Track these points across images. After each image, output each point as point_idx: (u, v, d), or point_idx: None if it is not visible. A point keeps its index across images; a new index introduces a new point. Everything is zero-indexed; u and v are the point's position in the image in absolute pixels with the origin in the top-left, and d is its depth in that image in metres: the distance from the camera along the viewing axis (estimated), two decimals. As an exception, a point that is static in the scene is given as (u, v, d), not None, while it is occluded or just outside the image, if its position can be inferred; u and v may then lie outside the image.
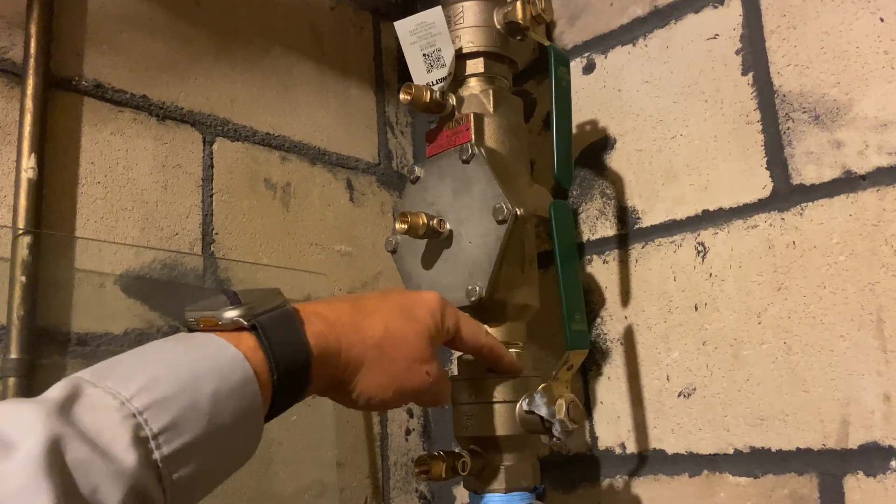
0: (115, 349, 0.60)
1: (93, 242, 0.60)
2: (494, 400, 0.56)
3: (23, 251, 0.55)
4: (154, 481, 0.32)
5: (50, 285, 0.57)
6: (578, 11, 0.79)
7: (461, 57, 0.61)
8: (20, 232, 0.55)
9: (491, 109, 0.61)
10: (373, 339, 0.44)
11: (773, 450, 0.61)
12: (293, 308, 0.41)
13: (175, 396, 0.33)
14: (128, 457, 0.31)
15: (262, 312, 0.39)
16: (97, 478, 0.30)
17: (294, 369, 0.39)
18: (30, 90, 0.58)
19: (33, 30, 0.59)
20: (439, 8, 0.59)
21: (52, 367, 0.56)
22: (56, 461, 0.29)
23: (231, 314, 0.38)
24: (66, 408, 0.31)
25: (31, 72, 0.58)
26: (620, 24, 0.75)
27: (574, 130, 0.76)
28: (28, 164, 0.57)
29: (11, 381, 0.53)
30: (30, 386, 0.53)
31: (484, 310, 0.57)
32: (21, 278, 0.55)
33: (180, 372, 0.34)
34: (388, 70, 0.91)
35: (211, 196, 0.70)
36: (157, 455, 0.32)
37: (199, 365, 0.35)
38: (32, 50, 0.59)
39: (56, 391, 0.32)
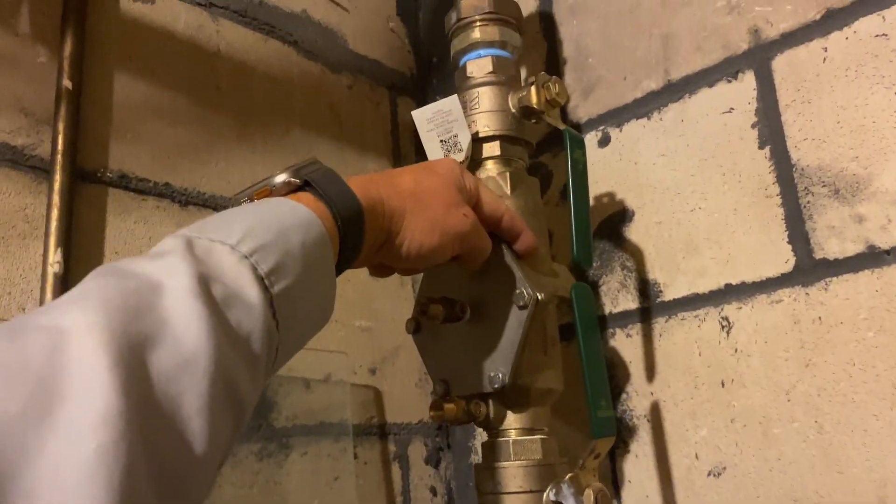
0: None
1: (116, 333, 0.60)
2: (521, 490, 0.54)
3: (48, 346, 0.55)
4: (273, 319, 0.34)
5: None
6: (592, 85, 0.80)
7: (478, 141, 0.62)
8: (45, 327, 0.56)
9: (509, 192, 0.61)
10: (407, 190, 0.47)
11: (810, 533, 0.59)
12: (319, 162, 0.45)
13: (273, 243, 0.35)
14: (253, 293, 0.33)
15: (309, 171, 0.42)
16: (239, 313, 0.32)
17: (352, 216, 0.41)
18: (57, 185, 0.59)
19: (61, 126, 0.61)
20: (455, 97, 0.60)
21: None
22: (205, 294, 0.31)
23: (282, 177, 0.42)
24: (190, 253, 0.32)
25: (58, 167, 0.60)
26: (634, 97, 0.76)
27: (591, 202, 0.76)
28: (54, 258, 0.57)
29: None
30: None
31: (507, 396, 0.56)
32: (46, 373, 0.55)
33: (270, 224, 0.37)
34: (405, 142, 0.93)
35: (232, 279, 0.70)
36: (272, 292, 0.34)
37: (284, 220, 0.38)
38: (60, 146, 0.60)
39: (169, 244, 0.33)
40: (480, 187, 0.53)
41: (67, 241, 0.59)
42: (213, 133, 0.72)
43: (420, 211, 0.47)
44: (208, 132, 0.72)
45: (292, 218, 0.38)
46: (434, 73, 0.97)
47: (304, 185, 0.42)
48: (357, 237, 0.42)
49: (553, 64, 0.84)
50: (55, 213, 0.59)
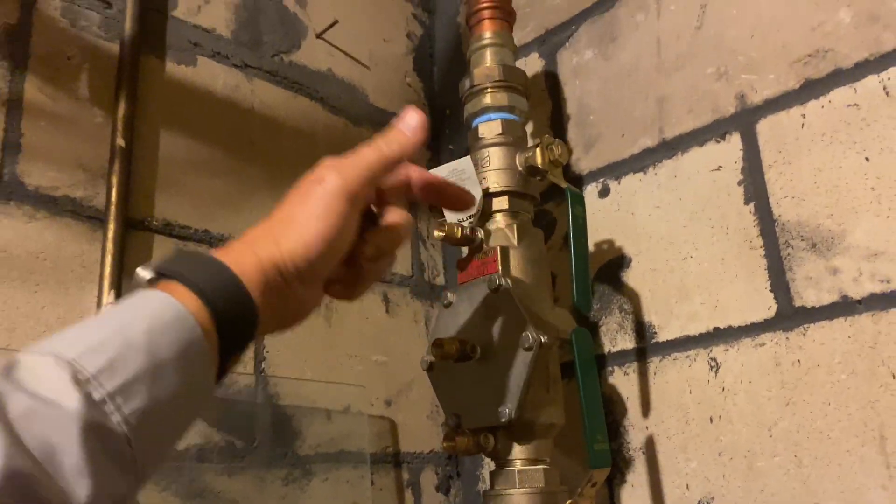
0: (175, 466, 0.66)
1: (160, 367, 0.67)
2: (524, 514, 0.60)
3: (101, 379, 0.62)
4: (105, 417, 0.31)
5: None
6: (593, 141, 0.87)
7: (488, 196, 0.69)
8: (100, 361, 0.62)
9: (515, 242, 0.67)
10: (275, 216, 0.43)
11: (790, 559, 0.64)
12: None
13: (108, 340, 0.33)
14: (70, 398, 0.30)
15: (167, 261, 0.39)
16: (45, 426, 0.29)
17: (223, 285, 0.37)
18: (110, 234, 0.66)
19: (114, 180, 0.68)
20: (468, 157, 0.67)
21: (123, 484, 0.62)
22: None
23: (142, 272, 0.38)
24: (0, 373, 0.30)
25: (112, 217, 0.67)
26: (631, 153, 0.83)
27: (592, 248, 0.83)
28: (107, 299, 0.64)
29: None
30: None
31: (513, 429, 0.62)
32: (99, 403, 0.61)
33: (111, 322, 0.34)
34: (420, 189, 0.99)
35: (262, 318, 0.76)
36: (100, 393, 0.31)
37: (129, 312, 0.35)
38: (113, 198, 0.67)
39: None
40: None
41: (119, 284, 0.65)
42: (246, 184, 0.80)
43: (287, 218, 0.43)
44: (242, 183, 0.79)
45: (142, 306, 0.35)
46: (447, 124, 1.04)
47: (163, 275, 0.38)
48: (238, 299, 0.38)
49: (557, 119, 0.91)
50: (109, 259, 0.65)
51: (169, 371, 0.34)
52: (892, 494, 0.60)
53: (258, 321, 0.39)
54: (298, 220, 0.42)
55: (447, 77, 1.06)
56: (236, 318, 0.38)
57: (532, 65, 0.95)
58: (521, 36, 0.95)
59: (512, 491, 0.61)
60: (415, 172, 0.50)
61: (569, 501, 0.59)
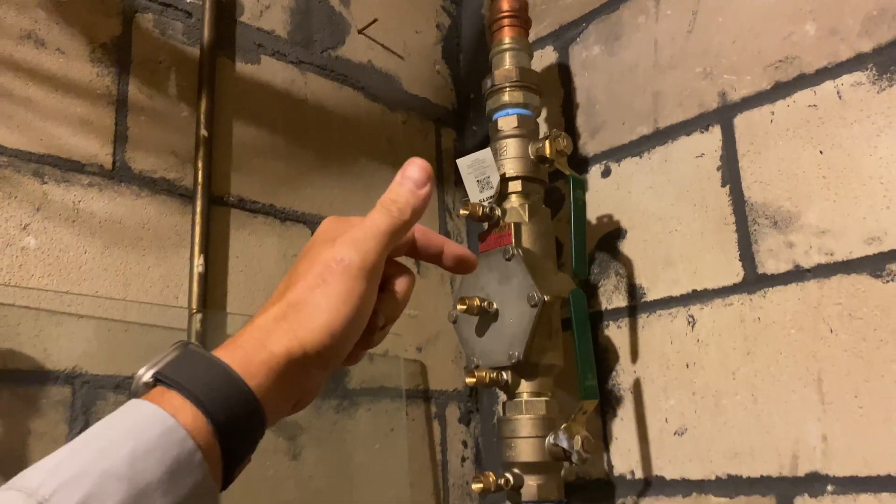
0: (253, 394, 0.82)
1: (238, 316, 0.83)
2: (530, 435, 0.76)
3: (196, 325, 0.78)
4: None
5: (212, 349, 0.80)
6: (597, 127, 1.00)
7: (504, 180, 0.83)
8: (194, 311, 0.79)
9: (527, 219, 0.82)
10: (278, 307, 0.39)
11: (744, 477, 0.80)
12: (193, 344, 0.39)
13: (87, 470, 0.30)
14: None
15: (169, 362, 0.36)
16: None
17: (224, 392, 0.35)
18: (198, 208, 0.82)
19: (200, 164, 0.83)
20: (489, 149, 0.82)
21: (214, 407, 0.79)
22: None
23: (143, 374, 0.36)
24: None
25: (198, 195, 0.82)
26: (630, 139, 0.96)
27: (594, 221, 0.97)
28: (198, 262, 0.80)
29: (190, 416, 0.76)
30: (201, 420, 0.76)
31: (521, 369, 0.78)
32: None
33: (94, 444, 0.32)
34: (447, 167, 1.14)
35: (317, 277, 0.92)
36: None
37: (114, 431, 0.33)
38: (199, 179, 0.83)
39: None
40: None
41: (206, 249, 0.81)
42: (302, 165, 0.95)
43: (304, 303, 0.38)
44: (299, 164, 0.94)
45: (126, 424, 0.33)
46: (471, 107, 1.18)
47: (157, 381, 0.35)
48: (246, 408, 0.35)
49: (568, 107, 1.04)
50: (198, 229, 0.81)
51: (156, 495, 0.31)
52: (824, 424, 0.75)
53: (265, 423, 0.37)
54: (320, 307, 0.38)
55: (472, 64, 1.19)
56: (240, 425, 0.35)
57: (547, 57, 1.08)
58: (538, 30, 1.08)
59: (519, 416, 0.77)
60: (418, 232, 0.46)
61: (564, 425, 0.74)
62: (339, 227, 0.42)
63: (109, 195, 0.77)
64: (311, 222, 0.94)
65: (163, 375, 0.35)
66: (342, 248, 0.40)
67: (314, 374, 0.39)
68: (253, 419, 0.36)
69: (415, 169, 0.44)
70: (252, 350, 0.37)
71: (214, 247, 0.84)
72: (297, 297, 0.39)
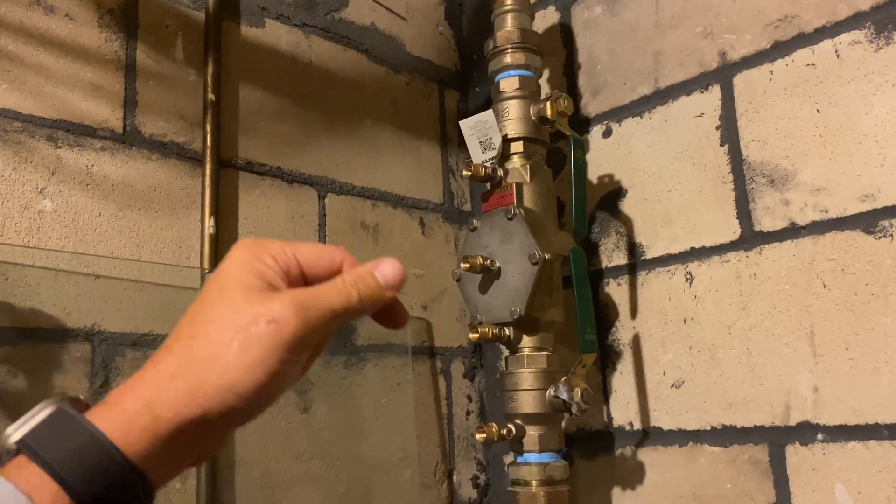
0: (265, 350, 0.86)
1: (249, 275, 0.86)
2: (531, 388, 0.79)
3: (208, 284, 0.81)
4: None
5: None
6: (599, 88, 1.01)
7: (506, 141, 0.85)
8: (206, 271, 0.81)
9: (528, 179, 0.84)
10: (174, 342, 0.35)
11: (738, 427, 0.83)
12: (66, 401, 0.35)
13: None
14: None
15: (34, 428, 0.33)
16: None
17: (88, 461, 0.32)
18: (208, 171, 0.84)
19: (208, 127, 0.85)
20: (491, 110, 0.83)
21: (228, 363, 0.82)
22: None
23: (8, 436, 0.33)
24: None
25: (208, 157, 0.84)
26: (631, 99, 0.97)
27: (595, 181, 0.99)
28: (209, 223, 0.83)
29: (204, 372, 0.79)
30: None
31: (523, 324, 0.81)
32: (208, 302, 0.81)
33: None
34: (450, 128, 1.15)
35: (325, 237, 0.95)
36: None
37: None
38: (208, 142, 0.85)
39: None
40: (297, 245, 0.39)
41: (216, 211, 0.84)
42: (308, 127, 0.96)
43: (213, 358, 0.34)
44: (305, 127, 0.96)
45: None
46: (475, 68, 1.19)
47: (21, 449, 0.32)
48: (116, 475, 0.32)
49: (570, 68, 1.05)
50: (208, 192, 0.83)
51: None
52: (815, 376, 0.77)
53: (150, 490, 0.34)
54: (231, 364, 0.34)
55: (475, 24, 1.19)
56: (112, 499, 0.32)
57: (549, 17, 1.09)
58: (540, -10, 1.08)
59: (521, 370, 0.80)
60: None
61: (564, 378, 0.77)
62: (258, 260, 0.37)
63: (121, 159, 0.79)
64: (318, 184, 0.96)
65: (24, 444, 0.33)
66: (280, 306, 0.35)
67: (215, 434, 0.36)
68: (130, 490, 0.33)
69: (391, 268, 0.41)
70: (135, 412, 0.33)
71: (224, 209, 0.86)
72: (204, 350, 0.35)
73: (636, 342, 0.93)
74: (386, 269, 0.41)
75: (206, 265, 0.81)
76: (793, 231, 0.81)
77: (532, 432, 0.79)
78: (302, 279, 0.39)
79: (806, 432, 0.77)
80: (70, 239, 0.74)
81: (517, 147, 0.85)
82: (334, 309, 0.38)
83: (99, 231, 0.76)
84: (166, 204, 0.82)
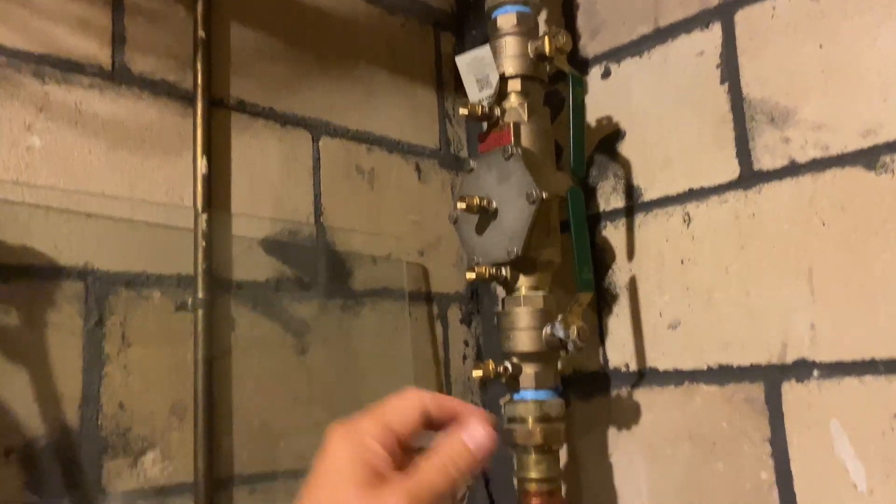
0: (260, 292, 0.85)
1: (243, 216, 0.85)
2: (527, 327, 0.79)
3: (202, 225, 0.80)
4: None
5: (218, 248, 0.82)
6: (598, 27, 0.99)
7: (504, 79, 0.83)
8: (200, 212, 0.80)
9: (526, 118, 0.83)
10: None
11: (734, 366, 0.83)
12: None
13: None
14: None
15: None
16: None
17: None
18: (199, 110, 0.82)
19: (199, 66, 0.83)
20: (488, 46, 0.81)
21: (223, 304, 0.81)
22: None
23: None
24: None
25: (199, 97, 0.82)
26: (630, 39, 0.95)
27: (593, 123, 0.97)
28: (202, 163, 0.81)
29: (200, 312, 0.78)
30: (211, 314, 0.79)
31: (520, 263, 0.80)
32: (202, 243, 0.80)
33: None
34: (446, 72, 1.13)
35: (319, 181, 0.94)
36: None
37: None
38: (199, 81, 0.83)
39: None
40: (385, 415, 0.42)
41: (209, 151, 0.82)
42: (301, 68, 0.94)
43: None
44: (298, 68, 0.94)
45: None
46: (471, 10, 1.16)
47: None
48: None
49: (568, 7, 1.03)
50: (199, 131, 0.82)
51: None
52: (813, 314, 0.77)
53: None
54: None
55: (471, -33, 1.16)
56: None
57: (547, -43, 1.06)
58: (538, -71, 1.05)
59: (518, 309, 0.80)
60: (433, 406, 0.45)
61: (560, 316, 0.77)
62: (363, 448, 0.39)
63: (110, 96, 0.78)
64: (312, 127, 0.95)
65: None
66: (395, 501, 0.38)
67: None
68: None
69: (482, 437, 0.42)
70: None
71: (217, 149, 0.85)
72: None
73: (633, 285, 0.93)
74: (478, 438, 0.42)
75: (199, 205, 0.80)
76: (793, 169, 0.80)
77: (528, 370, 0.79)
78: (399, 446, 0.41)
79: (802, 370, 0.78)
80: (60, 177, 0.73)
81: (515, 85, 0.84)
82: (442, 492, 0.40)
83: (89, 169, 0.75)
84: (158, 143, 0.81)
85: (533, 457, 0.78)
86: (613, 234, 0.95)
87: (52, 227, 0.71)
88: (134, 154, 0.79)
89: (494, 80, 0.82)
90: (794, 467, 0.77)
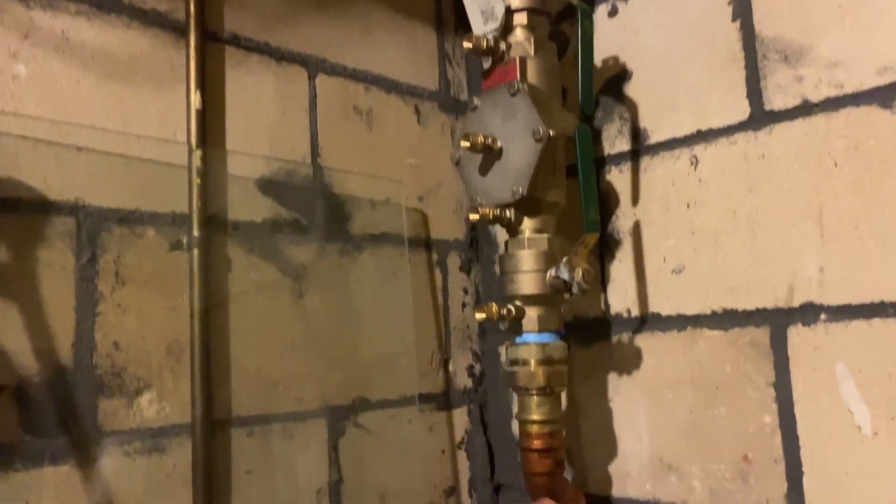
0: (257, 233, 0.83)
1: (239, 155, 0.82)
2: (531, 270, 0.77)
3: (196, 162, 0.77)
4: None
5: (213, 186, 0.79)
6: (605, -36, 0.96)
7: (509, 12, 0.80)
8: (194, 148, 0.77)
9: (532, 53, 0.80)
10: None
11: (740, 310, 0.82)
12: None
13: None
14: None
15: None
16: None
17: None
18: (192, 43, 0.79)
19: (191, -4, 0.79)
20: (494, -23, 0.78)
21: (219, 243, 0.79)
22: None
23: None
24: None
25: (192, 29, 0.79)
26: (639, -24, 0.92)
27: (599, 64, 0.95)
28: (195, 98, 0.78)
29: (195, 251, 0.76)
30: (206, 254, 0.77)
31: (525, 205, 0.78)
32: (196, 180, 0.77)
33: None
34: (447, 11, 1.10)
35: (316, 120, 0.91)
36: None
37: None
38: (192, 12, 0.79)
39: None
40: None
41: (203, 86, 0.79)
42: (299, 3, 0.91)
43: None
44: (295, 2, 0.90)
45: None
46: (472, -51, 1.12)
47: None
48: None
49: (574, -56, 0.99)
50: (193, 65, 0.79)
51: None
52: (822, 257, 0.76)
53: None
54: None
55: None
56: None
57: None
58: None
59: (522, 252, 0.78)
60: None
61: (565, 258, 0.75)
62: None
63: (99, 25, 0.74)
64: (308, 63, 0.91)
65: None
66: None
67: None
68: None
69: None
70: None
71: (211, 84, 0.82)
72: None
73: (636, 229, 0.91)
74: None
75: (193, 141, 0.78)
76: (805, 108, 0.78)
77: (531, 313, 0.78)
78: None
79: (809, 313, 0.76)
80: (48, 108, 0.70)
81: (521, 18, 0.80)
82: None
83: (79, 101, 0.72)
84: (149, 76, 0.77)
85: (535, 399, 0.77)
86: (618, 178, 0.93)
87: (41, 159, 0.69)
88: (125, 86, 0.75)
89: (500, 12, 0.79)
90: (798, 411, 0.77)
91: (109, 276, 0.71)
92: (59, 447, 0.67)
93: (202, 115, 0.79)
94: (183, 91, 0.79)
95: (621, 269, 0.92)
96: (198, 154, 0.77)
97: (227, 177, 0.81)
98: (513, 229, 0.80)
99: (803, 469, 0.76)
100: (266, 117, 0.86)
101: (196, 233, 0.76)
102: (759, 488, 0.79)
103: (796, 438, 0.77)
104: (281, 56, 0.89)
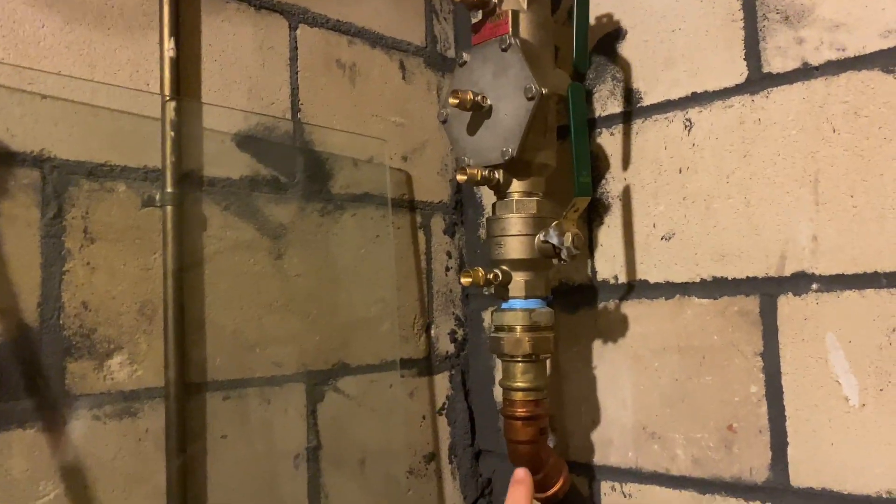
0: (234, 191, 0.79)
1: (215, 108, 0.78)
2: (519, 233, 0.75)
3: (170, 113, 0.73)
4: None
5: (188, 140, 0.76)
6: (602, -84, 0.91)
7: (502, -37, 0.76)
8: (167, 98, 0.73)
9: (525, 7, 0.76)
10: None
11: (730, 278, 0.80)
12: None
13: None
14: None
15: None
16: None
17: None
18: (165, -14, 0.74)
19: (164, -64, 0.75)
20: (487, -75, 0.74)
21: (194, 200, 0.76)
22: None
23: None
24: None
25: (165, -29, 0.74)
26: (637, -71, 0.88)
27: (592, 22, 0.91)
28: (169, 45, 0.74)
29: (169, 208, 0.73)
30: (180, 211, 0.73)
31: (514, 166, 0.75)
32: (170, 133, 0.73)
33: None
34: (435, -37, 1.05)
35: (297, 73, 0.87)
36: None
37: None
38: (165, -47, 0.74)
39: None
40: None
41: (177, 33, 0.75)
42: (278, -53, 0.86)
43: None
44: (274, -54, 0.86)
45: None
46: None
47: None
48: None
49: None
50: (167, 10, 0.74)
51: None
52: (816, 224, 0.74)
53: None
54: None
55: None
56: None
57: None
58: None
59: (509, 215, 0.75)
60: None
61: (555, 222, 0.73)
62: None
63: (64, -36, 0.69)
64: (289, 13, 0.87)
65: None
66: None
67: None
68: None
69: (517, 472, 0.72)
70: None
71: (186, 32, 0.77)
72: None
73: (626, 194, 0.89)
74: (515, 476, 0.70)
75: (166, 91, 0.73)
76: (805, 72, 0.75)
77: (518, 278, 0.76)
78: None
79: (801, 282, 0.75)
80: (9, 51, 0.66)
81: (514, -30, 0.77)
82: None
83: (43, 45, 0.67)
84: (120, 21, 0.73)
85: (520, 366, 0.75)
86: (609, 141, 0.90)
87: (3, 107, 0.64)
88: (93, 31, 0.71)
89: (492, -37, 0.75)
90: (785, 381, 0.76)
91: (77, 232, 0.68)
92: (28, 409, 0.64)
93: (176, 63, 0.74)
94: (156, 38, 0.75)
95: (609, 234, 0.90)
96: (171, 105, 0.73)
97: (203, 131, 0.77)
98: (501, 191, 0.78)
99: (788, 439, 0.75)
100: (244, 69, 0.82)
101: (169, 189, 0.73)
102: (742, 457, 0.79)
103: (782, 408, 0.76)
104: (260, 4, 0.84)
